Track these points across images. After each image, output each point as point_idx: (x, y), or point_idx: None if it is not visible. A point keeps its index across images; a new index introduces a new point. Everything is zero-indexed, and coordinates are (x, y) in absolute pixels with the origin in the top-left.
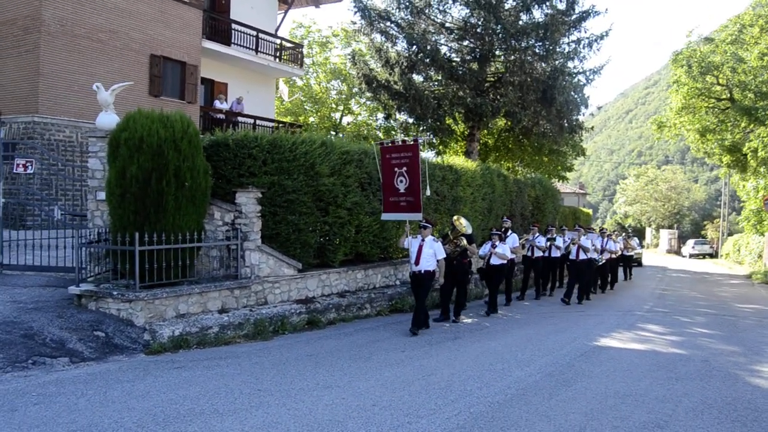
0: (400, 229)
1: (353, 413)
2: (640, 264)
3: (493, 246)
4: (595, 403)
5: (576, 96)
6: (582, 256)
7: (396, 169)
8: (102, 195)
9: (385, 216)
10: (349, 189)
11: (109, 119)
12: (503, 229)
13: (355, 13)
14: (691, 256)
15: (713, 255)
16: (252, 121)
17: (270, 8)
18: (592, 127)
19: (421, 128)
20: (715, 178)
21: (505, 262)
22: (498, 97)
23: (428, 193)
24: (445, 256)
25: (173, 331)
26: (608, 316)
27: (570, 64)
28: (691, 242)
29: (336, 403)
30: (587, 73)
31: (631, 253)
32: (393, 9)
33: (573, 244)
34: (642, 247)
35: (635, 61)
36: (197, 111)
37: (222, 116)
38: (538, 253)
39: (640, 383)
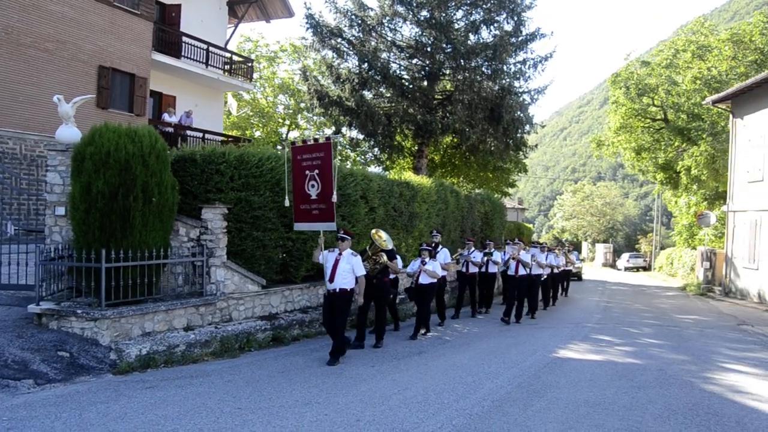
0: (361, 244)
1: (339, 429)
2: (580, 278)
3: (423, 263)
4: (569, 412)
5: (522, 114)
6: (522, 271)
7: (307, 171)
8: (61, 210)
9: (298, 226)
10: None
11: (70, 132)
12: (433, 245)
13: (307, 29)
14: (626, 269)
15: (647, 268)
16: (201, 135)
17: (220, 22)
18: (536, 145)
19: (370, 144)
20: (644, 194)
21: (435, 280)
22: (447, 114)
23: (334, 198)
24: (364, 272)
25: (140, 350)
26: (561, 328)
27: (516, 84)
28: (626, 256)
29: (320, 419)
30: (532, 93)
31: (571, 268)
32: (344, 26)
33: (513, 259)
34: (581, 261)
35: (569, 81)
36: (145, 124)
37: (171, 130)
38: (473, 269)
39: (605, 392)
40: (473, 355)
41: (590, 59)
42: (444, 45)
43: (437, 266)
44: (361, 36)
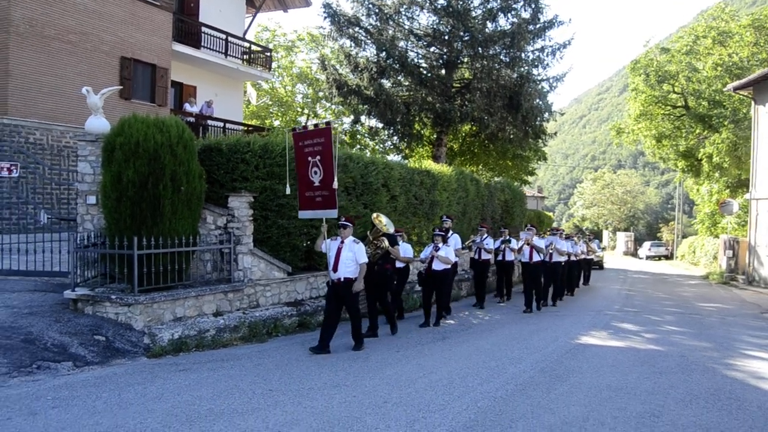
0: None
1: (368, 410)
2: (601, 267)
3: (436, 248)
4: (592, 396)
5: (540, 102)
6: (536, 257)
7: (309, 158)
8: (92, 199)
9: (302, 214)
10: None
11: (99, 123)
12: (444, 229)
13: (325, 18)
14: (647, 257)
15: (669, 257)
16: (221, 124)
17: (238, 12)
18: (555, 133)
19: (389, 133)
20: (666, 182)
21: (449, 266)
22: (466, 102)
23: (335, 185)
24: (366, 260)
25: (172, 334)
26: (582, 316)
27: (534, 71)
28: (647, 244)
29: (349, 401)
30: (551, 80)
31: (592, 257)
32: (362, 15)
33: (527, 244)
34: (602, 249)
35: (588, 67)
36: (167, 114)
37: (192, 119)
38: (485, 256)
39: (628, 377)
40: (496, 341)
41: (609, 45)
42: (462, 33)
43: (450, 252)
44: (379, 25)
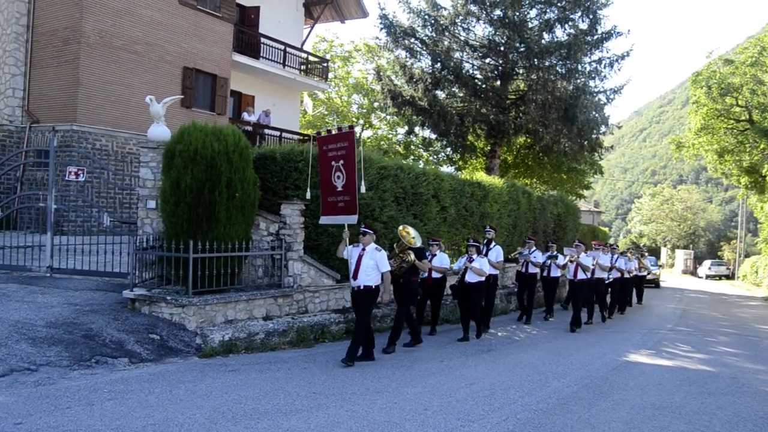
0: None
1: (408, 416)
2: (657, 285)
3: (469, 260)
4: (634, 414)
5: (596, 115)
6: (581, 275)
7: (333, 162)
8: (152, 203)
9: (323, 220)
10: (385, 203)
11: (161, 131)
12: (486, 240)
13: (381, 29)
14: (707, 277)
15: (730, 276)
16: (278, 133)
17: (296, 23)
18: (612, 146)
19: (443, 144)
20: (729, 198)
21: (483, 279)
22: (520, 114)
23: (363, 189)
24: (389, 268)
25: (223, 336)
26: (633, 333)
27: (591, 83)
28: (707, 263)
29: (390, 407)
30: (608, 93)
31: (644, 273)
32: (418, 26)
33: (571, 261)
34: (659, 267)
35: (649, 79)
36: (226, 123)
37: (250, 128)
38: (533, 269)
39: (673, 396)
40: (541, 355)
41: (672, 57)
42: (517, 44)
43: (485, 264)
44: (434, 36)
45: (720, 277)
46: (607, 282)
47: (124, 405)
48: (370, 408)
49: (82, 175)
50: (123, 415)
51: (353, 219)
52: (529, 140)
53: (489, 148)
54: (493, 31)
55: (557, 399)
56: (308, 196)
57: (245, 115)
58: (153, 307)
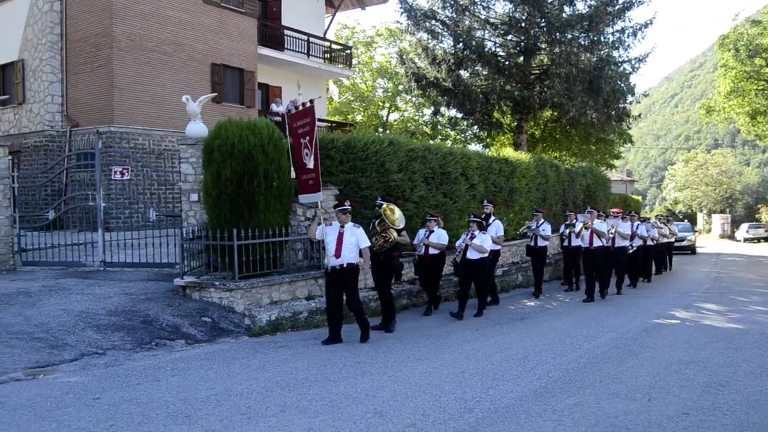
0: (462, 219)
1: (446, 378)
2: (693, 251)
3: (471, 236)
4: (661, 369)
5: (622, 84)
6: (596, 242)
7: (302, 140)
8: (195, 197)
9: (302, 198)
10: (415, 184)
11: (198, 128)
12: (483, 216)
13: (402, 13)
14: (745, 240)
15: None
16: None
17: (318, 12)
18: (639, 115)
19: (469, 122)
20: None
21: (486, 255)
22: (545, 89)
23: (311, 166)
24: (369, 244)
25: (269, 316)
26: (665, 297)
27: (615, 54)
28: (745, 226)
29: (429, 371)
30: (632, 62)
31: (671, 240)
32: (438, 8)
33: (585, 228)
34: (695, 233)
35: (679, 43)
36: (255, 115)
37: (279, 119)
38: (542, 243)
39: (700, 353)
40: (573, 321)
41: (702, 19)
42: (538, 19)
43: (486, 240)
44: (455, 16)
45: (759, 239)
46: (631, 251)
47: (187, 380)
48: (411, 373)
49: (126, 173)
50: (187, 388)
51: (320, 197)
52: (555, 114)
53: (515, 123)
54: (513, 8)
55: (588, 359)
56: (293, 175)
57: (273, 106)
58: (203, 292)
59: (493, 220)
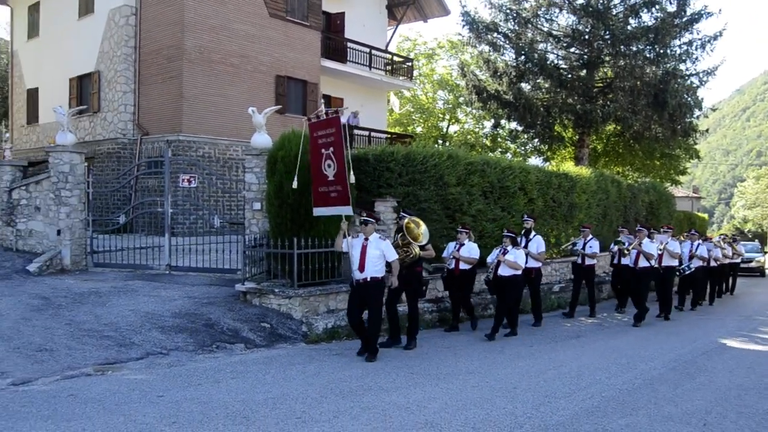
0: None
1: (498, 393)
2: (762, 274)
3: (504, 252)
4: (719, 394)
5: (689, 98)
6: (643, 263)
7: (323, 150)
8: (257, 205)
9: (316, 211)
10: (473, 197)
11: (263, 139)
12: (523, 231)
13: (464, 26)
14: None
15: None
16: (367, 133)
17: (380, 25)
18: (707, 129)
19: (530, 135)
20: None
21: (519, 272)
22: (608, 102)
23: (352, 180)
24: (396, 257)
25: (326, 324)
26: (728, 320)
27: (682, 67)
28: None
29: (481, 386)
30: (700, 75)
31: (737, 260)
32: (500, 20)
33: (629, 249)
34: (764, 254)
35: (752, 55)
36: None
37: None
38: (589, 261)
39: (763, 379)
40: (630, 341)
41: None
42: (602, 32)
43: (520, 256)
44: (517, 29)
45: None
46: (688, 272)
47: (246, 382)
48: (464, 386)
49: (194, 181)
50: (246, 390)
51: (348, 210)
52: (618, 128)
53: (577, 137)
54: (577, 20)
55: (643, 380)
56: (294, 185)
57: None
58: (263, 298)
59: (534, 236)
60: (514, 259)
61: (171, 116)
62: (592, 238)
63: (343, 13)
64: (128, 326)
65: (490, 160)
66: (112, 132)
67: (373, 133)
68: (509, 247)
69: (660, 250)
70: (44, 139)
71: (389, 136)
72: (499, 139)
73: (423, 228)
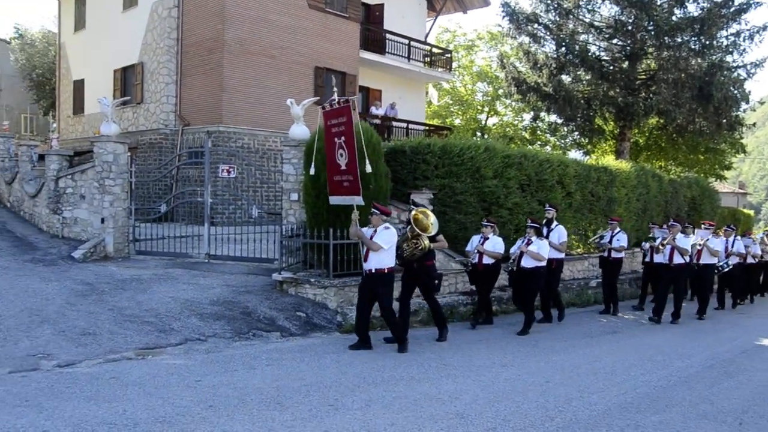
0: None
1: (530, 387)
2: None
3: (527, 243)
4: (757, 392)
5: (735, 91)
6: (677, 259)
7: (335, 139)
8: (295, 196)
9: (332, 199)
10: (509, 190)
11: (301, 130)
12: (545, 220)
13: (503, 17)
14: None
15: None
16: (405, 125)
17: (419, 16)
18: (754, 123)
19: (570, 128)
20: None
21: (542, 264)
22: (650, 95)
23: (368, 169)
24: (385, 247)
25: None
26: None
27: (728, 58)
28: None
29: (514, 378)
30: (748, 67)
31: None
32: (541, 11)
33: (663, 244)
34: None
35: None
36: (356, 118)
37: (378, 121)
38: (616, 255)
39: None
40: (667, 338)
41: None
42: (645, 23)
43: (544, 247)
44: (558, 20)
45: None
46: (726, 269)
47: (281, 369)
48: (496, 379)
49: (233, 172)
50: (280, 377)
51: (359, 200)
52: (661, 121)
53: (618, 131)
54: (620, 11)
55: (678, 377)
56: (312, 171)
57: (373, 109)
58: (298, 288)
59: (556, 225)
60: (537, 250)
61: (211, 107)
62: (619, 231)
63: (382, 5)
64: (168, 313)
65: (527, 153)
66: (155, 123)
67: (410, 125)
68: (533, 238)
69: (699, 246)
70: (89, 129)
71: (427, 128)
72: (538, 132)
73: (432, 218)
